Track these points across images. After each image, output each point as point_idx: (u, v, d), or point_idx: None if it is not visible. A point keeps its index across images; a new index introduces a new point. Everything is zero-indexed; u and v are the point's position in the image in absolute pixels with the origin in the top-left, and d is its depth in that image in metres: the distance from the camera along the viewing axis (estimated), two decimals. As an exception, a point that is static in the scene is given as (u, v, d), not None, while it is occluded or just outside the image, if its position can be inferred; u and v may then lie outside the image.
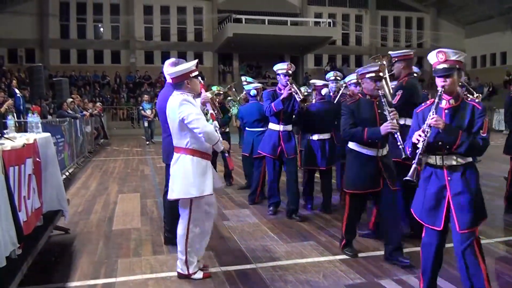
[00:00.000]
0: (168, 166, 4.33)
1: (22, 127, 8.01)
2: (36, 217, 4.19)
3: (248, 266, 4.11)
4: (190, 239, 3.75)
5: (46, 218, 4.51)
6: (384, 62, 5.11)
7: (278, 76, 5.64)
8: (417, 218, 3.24)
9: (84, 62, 27.89)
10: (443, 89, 3.05)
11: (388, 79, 5.04)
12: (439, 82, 3.06)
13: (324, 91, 6.02)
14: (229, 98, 8.32)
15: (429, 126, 3.06)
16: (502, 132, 18.51)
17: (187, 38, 29.62)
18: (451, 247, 3.88)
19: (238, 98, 7.95)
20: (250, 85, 7.30)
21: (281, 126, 5.76)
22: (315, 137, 5.94)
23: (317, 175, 6.29)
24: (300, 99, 5.47)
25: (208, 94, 7.63)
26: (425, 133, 3.09)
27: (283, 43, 27.62)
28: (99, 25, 28.70)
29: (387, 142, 4.25)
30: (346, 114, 4.17)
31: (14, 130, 4.98)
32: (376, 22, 32.22)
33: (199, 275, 3.82)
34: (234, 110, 7.95)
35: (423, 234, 3.25)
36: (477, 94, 7.48)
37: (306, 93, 6.34)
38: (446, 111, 3.11)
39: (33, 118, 5.33)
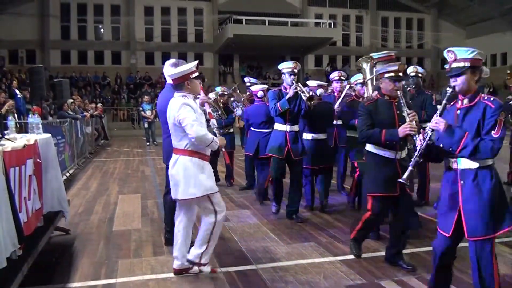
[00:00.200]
0: (168, 167, 4.33)
1: (22, 128, 8.00)
2: (37, 218, 4.19)
3: (248, 267, 4.11)
4: (216, 228, 3.80)
5: (47, 219, 4.51)
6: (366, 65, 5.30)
7: (283, 75, 5.53)
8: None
9: (84, 63, 27.91)
10: (452, 89, 2.96)
11: (371, 81, 5.13)
12: (450, 82, 2.99)
13: (319, 91, 6.04)
14: (232, 99, 8.30)
15: (431, 129, 3.02)
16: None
17: (187, 39, 29.63)
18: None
19: (242, 99, 7.94)
20: (257, 86, 7.31)
21: (288, 127, 5.60)
22: (309, 136, 5.97)
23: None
24: (306, 98, 5.32)
25: (212, 95, 7.73)
26: (425, 136, 3.07)
27: (283, 44, 27.62)
28: (100, 26, 28.71)
29: (406, 144, 4.13)
30: (363, 115, 4.01)
31: (15, 131, 4.98)
32: (376, 23, 32.21)
33: (207, 268, 3.89)
34: (238, 111, 7.93)
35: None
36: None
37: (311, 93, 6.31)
38: (458, 111, 3.00)
39: (34, 119, 5.32)
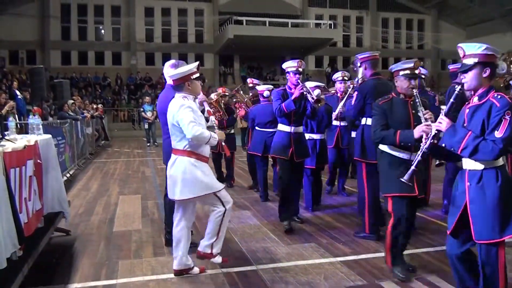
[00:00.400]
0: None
1: (23, 129, 8.00)
2: (37, 218, 4.19)
3: (248, 268, 4.11)
4: (225, 218, 3.84)
5: (47, 220, 4.51)
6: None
7: (287, 75, 5.34)
8: None
9: (85, 63, 27.92)
10: (461, 87, 2.89)
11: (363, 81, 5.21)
12: (461, 79, 2.89)
13: (316, 92, 6.03)
14: (234, 100, 8.31)
15: (436, 129, 2.97)
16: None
17: (188, 39, 29.63)
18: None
19: (246, 100, 7.95)
20: (263, 86, 7.32)
21: (292, 128, 5.38)
22: (307, 136, 5.96)
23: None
24: (314, 100, 5.13)
25: (214, 96, 7.75)
26: (429, 135, 3.02)
27: (284, 45, 27.62)
28: (100, 27, 28.71)
29: None
30: (377, 114, 3.84)
31: (15, 132, 4.98)
32: (377, 23, 32.23)
33: (219, 259, 3.95)
34: (242, 112, 7.95)
35: None
36: None
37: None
38: (467, 110, 2.90)
39: (34, 120, 5.32)
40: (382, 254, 4.33)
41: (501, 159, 2.81)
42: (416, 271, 3.94)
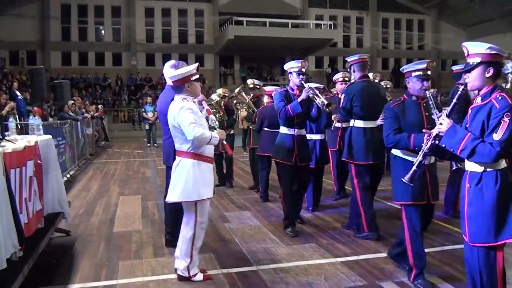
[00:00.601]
0: (168, 168, 4.34)
1: (23, 129, 8.01)
2: (37, 219, 4.19)
3: (249, 268, 4.11)
4: (196, 241, 3.77)
5: (47, 220, 4.51)
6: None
7: (290, 75, 5.18)
8: None
9: (85, 64, 27.93)
10: (464, 87, 2.83)
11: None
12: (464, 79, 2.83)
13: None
14: (235, 101, 8.33)
15: (438, 130, 2.91)
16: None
17: (188, 40, 29.64)
18: (450, 249, 3.89)
19: (248, 101, 7.95)
20: (271, 87, 7.33)
21: (295, 130, 5.20)
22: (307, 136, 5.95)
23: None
24: (325, 104, 4.91)
25: (214, 97, 7.75)
26: (430, 135, 2.98)
27: (284, 45, 27.63)
28: (100, 28, 28.73)
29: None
30: (389, 117, 3.69)
31: (16, 132, 4.98)
32: (377, 24, 32.23)
33: (200, 277, 3.82)
34: (243, 113, 7.95)
35: None
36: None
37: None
38: (470, 110, 2.83)
39: (34, 120, 5.33)
40: (383, 255, 4.33)
41: (503, 161, 2.75)
42: None
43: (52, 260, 4.32)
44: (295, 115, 5.04)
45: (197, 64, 3.93)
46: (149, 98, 18.17)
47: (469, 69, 2.78)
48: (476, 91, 2.85)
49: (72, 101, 13.46)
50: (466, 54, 2.80)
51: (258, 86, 8.12)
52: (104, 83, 26.93)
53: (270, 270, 4.05)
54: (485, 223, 2.73)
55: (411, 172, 3.18)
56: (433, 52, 32.98)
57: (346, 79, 6.81)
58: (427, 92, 3.48)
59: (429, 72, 3.68)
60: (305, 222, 5.68)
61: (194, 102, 3.84)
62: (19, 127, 7.53)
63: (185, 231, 3.79)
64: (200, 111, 3.88)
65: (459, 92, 2.88)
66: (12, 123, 5.12)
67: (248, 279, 3.87)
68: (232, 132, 8.10)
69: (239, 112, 8.14)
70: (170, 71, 4.28)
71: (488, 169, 2.74)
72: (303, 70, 5.12)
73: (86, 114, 14.25)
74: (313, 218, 5.93)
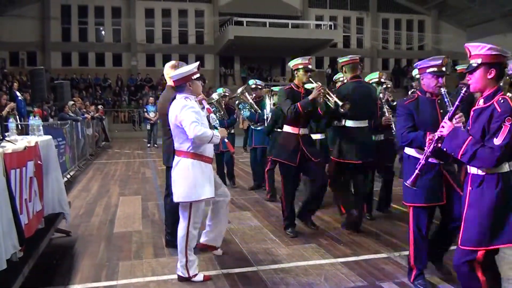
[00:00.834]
0: (168, 169, 4.34)
1: (23, 130, 8.01)
2: (38, 219, 4.19)
3: (249, 269, 4.10)
4: (190, 241, 3.78)
5: (48, 221, 4.51)
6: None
7: (296, 72, 5.07)
8: None
9: (85, 65, 27.95)
10: (467, 88, 2.78)
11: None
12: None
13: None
14: (237, 102, 8.34)
15: (439, 134, 2.88)
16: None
17: (188, 40, 29.66)
18: (450, 249, 3.88)
19: (250, 102, 7.97)
20: (279, 87, 7.33)
21: (300, 130, 5.08)
22: None
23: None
24: (339, 105, 4.81)
25: (215, 96, 7.75)
26: (433, 138, 2.93)
27: (284, 46, 27.63)
28: (101, 28, 28.75)
29: None
30: (403, 115, 3.56)
31: (16, 133, 4.98)
32: (377, 24, 32.24)
33: (200, 277, 3.82)
34: (246, 113, 7.96)
35: None
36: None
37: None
38: (472, 112, 2.79)
39: (35, 121, 5.33)
40: (383, 255, 4.33)
41: (506, 165, 2.69)
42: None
43: (52, 260, 4.32)
44: (303, 114, 4.93)
45: (197, 63, 3.94)
46: (151, 98, 18.18)
47: (471, 70, 2.73)
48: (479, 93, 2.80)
49: (72, 102, 13.46)
50: (468, 56, 2.76)
51: (260, 87, 8.13)
52: (104, 83, 26.95)
53: (270, 271, 4.05)
54: (481, 226, 2.70)
55: (413, 175, 3.14)
56: (433, 52, 32.85)
57: None
58: (442, 89, 3.41)
59: (444, 69, 3.57)
60: (305, 222, 5.67)
61: (195, 101, 3.84)
62: (19, 128, 7.54)
63: (180, 230, 3.80)
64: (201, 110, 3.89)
65: (461, 94, 2.83)
66: (12, 123, 5.12)
67: (248, 280, 3.87)
68: (232, 131, 8.13)
69: (242, 112, 8.14)
70: (171, 72, 4.30)
71: (490, 172, 2.71)
72: (310, 66, 5.04)
73: (86, 115, 14.25)
74: (313, 218, 5.91)
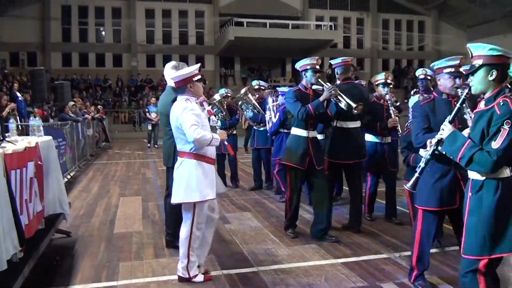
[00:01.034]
0: (169, 169, 4.34)
1: (23, 131, 8.01)
2: (38, 220, 4.19)
3: (249, 270, 4.10)
4: (193, 242, 3.77)
5: (48, 221, 4.50)
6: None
7: (304, 73, 4.97)
8: None
9: (86, 65, 27.98)
10: (468, 90, 2.73)
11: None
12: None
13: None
14: (240, 102, 8.37)
15: (439, 137, 2.82)
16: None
17: (188, 41, 29.68)
18: (451, 250, 3.89)
19: (253, 102, 7.99)
20: (286, 88, 7.33)
21: (310, 132, 4.97)
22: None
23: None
24: (353, 107, 4.75)
25: (217, 97, 7.76)
26: (432, 142, 2.89)
27: (284, 46, 27.66)
28: (101, 29, 28.78)
29: None
30: (418, 116, 3.47)
31: (16, 133, 4.98)
32: (377, 25, 32.25)
33: (200, 278, 3.82)
34: (249, 113, 7.98)
35: None
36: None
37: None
38: (473, 115, 2.72)
39: (35, 121, 5.33)
40: (383, 256, 4.33)
41: (506, 170, 2.59)
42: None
43: (52, 261, 4.31)
44: (314, 115, 4.84)
45: (199, 64, 3.94)
46: (153, 99, 18.18)
47: (472, 71, 2.66)
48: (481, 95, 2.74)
49: (73, 102, 13.46)
50: (470, 56, 2.70)
51: (263, 88, 8.14)
52: (104, 84, 26.98)
53: (270, 271, 4.04)
54: (481, 234, 2.61)
55: (413, 179, 3.09)
56: (433, 53, 32.96)
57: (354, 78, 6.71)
58: (459, 90, 3.35)
59: (461, 69, 3.51)
60: (306, 223, 5.67)
61: (196, 102, 3.84)
62: (20, 128, 7.53)
63: (183, 232, 3.79)
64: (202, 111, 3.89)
65: (462, 96, 2.77)
66: (12, 124, 5.11)
67: (248, 280, 3.87)
68: (235, 132, 8.15)
69: (245, 112, 8.16)
70: (171, 72, 4.30)
71: (489, 177, 2.61)
72: (318, 67, 4.97)
73: (86, 115, 14.26)
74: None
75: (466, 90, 2.76)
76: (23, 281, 3.25)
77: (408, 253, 4.36)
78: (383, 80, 5.64)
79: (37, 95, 11.47)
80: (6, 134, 4.50)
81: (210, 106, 7.57)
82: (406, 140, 4.74)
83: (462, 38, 31.70)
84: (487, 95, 2.65)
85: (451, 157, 2.73)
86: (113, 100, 26.18)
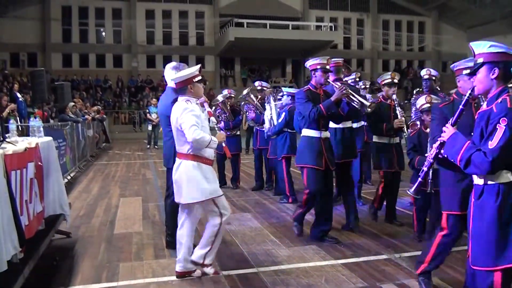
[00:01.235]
0: (169, 170, 4.34)
1: (24, 131, 8.01)
2: (38, 221, 4.19)
3: (250, 270, 4.10)
4: (221, 229, 3.86)
5: (48, 222, 4.50)
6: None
7: (313, 73, 4.86)
8: None
9: (86, 66, 28.02)
10: (471, 91, 2.62)
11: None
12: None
13: None
14: (242, 103, 8.38)
15: (441, 140, 2.72)
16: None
17: (188, 42, 29.71)
18: (452, 251, 3.88)
19: (255, 103, 8.00)
20: (291, 89, 7.34)
21: (322, 133, 4.90)
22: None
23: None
24: (366, 105, 4.73)
25: (220, 97, 7.79)
26: (437, 144, 2.77)
27: (284, 47, 27.67)
28: (101, 30, 28.81)
29: None
30: (438, 119, 3.34)
31: (16, 134, 4.98)
32: (377, 26, 32.27)
33: (211, 270, 3.93)
34: (251, 114, 8.01)
35: None
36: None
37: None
38: (476, 116, 2.61)
39: (35, 122, 5.33)
40: (384, 257, 4.32)
41: (508, 174, 2.45)
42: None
43: (52, 262, 4.31)
44: (326, 115, 4.77)
45: (199, 65, 3.96)
46: (154, 99, 18.20)
47: (474, 70, 2.57)
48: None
49: (73, 103, 13.45)
50: (473, 55, 2.60)
51: (265, 88, 8.15)
52: (104, 85, 27.01)
53: (271, 272, 4.04)
54: (485, 243, 2.48)
55: (416, 183, 3.00)
56: (433, 53, 33.00)
57: (358, 79, 6.66)
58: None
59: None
60: (306, 223, 5.66)
61: (197, 103, 3.85)
62: (20, 129, 7.54)
63: (213, 223, 3.84)
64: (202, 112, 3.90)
65: (465, 97, 2.66)
66: (13, 125, 5.11)
67: (249, 281, 3.87)
68: (238, 133, 8.17)
69: (247, 113, 8.17)
70: (171, 73, 4.30)
71: (489, 182, 2.48)
72: (328, 67, 4.88)
73: (86, 116, 14.26)
74: (313, 220, 5.90)
75: (469, 91, 2.65)
76: (23, 282, 3.25)
77: (409, 254, 4.37)
78: (390, 80, 5.51)
79: (37, 95, 11.47)
80: (6, 135, 4.49)
81: (213, 107, 7.62)
82: (412, 142, 4.71)
83: (462, 38, 31.71)
84: (490, 94, 2.54)
85: (452, 160, 2.61)
86: (113, 100, 26.20)
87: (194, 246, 4.06)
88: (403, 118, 5.34)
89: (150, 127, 16.78)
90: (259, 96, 8.14)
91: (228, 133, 7.84)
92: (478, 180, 2.56)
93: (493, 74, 2.50)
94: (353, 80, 6.55)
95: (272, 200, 7.09)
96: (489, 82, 2.52)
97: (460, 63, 3.43)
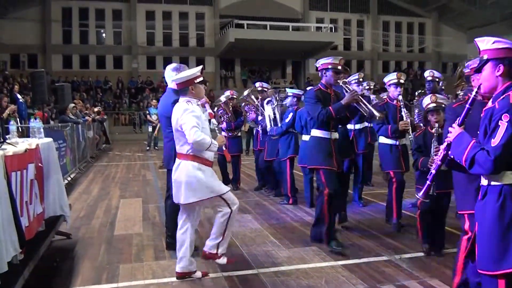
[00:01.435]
0: (169, 171, 4.34)
1: (24, 132, 8.02)
2: (38, 222, 4.19)
3: (250, 272, 4.10)
4: (231, 219, 3.91)
5: (48, 223, 4.51)
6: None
7: (324, 73, 4.77)
8: None
9: (86, 67, 28.04)
10: (477, 89, 2.53)
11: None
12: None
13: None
14: (242, 104, 8.38)
15: (448, 140, 2.63)
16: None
17: (189, 43, 29.73)
18: (452, 252, 3.88)
19: (256, 103, 8.01)
20: (295, 90, 7.35)
21: (332, 134, 4.81)
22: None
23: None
24: (375, 115, 4.67)
25: (223, 98, 7.80)
26: (444, 145, 2.69)
27: (284, 48, 27.69)
28: (102, 31, 28.84)
29: None
30: (452, 119, 3.16)
31: (17, 135, 4.98)
32: (377, 27, 32.28)
33: (224, 260, 3.97)
34: (251, 115, 8.02)
35: None
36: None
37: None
38: (482, 114, 2.51)
39: (35, 123, 5.33)
40: (384, 258, 4.32)
41: None
42: (416, 274, 3.93)
43: (53, 263, 4.31)
44: (336, 117, 4.70)
45: (201, 66, 3.98)
46: (154, 101, 18.19)
47: (478, 68, 2.48)
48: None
49: (73, 104, 13.45)
50: (478, 53, 2.51)
51: (266, 89, 8.15)
52: (105, 86, 27.03)
53: (271, 273, 4.04)
54: (488, 245, 2.37)
55: (425, 187, 2.92)
56: (433, 55, 33.01)
57: (361, 79, 6.61)
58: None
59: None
60: (306, 224, 5.67)
61: (197, 104, 3.86)
62: (20, 130, 7.55)
63: (223, 214, 3.88)
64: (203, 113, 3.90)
65: (471, 96, 2.56)
66: (13, 126, 5.13)
67: (249, 282, 3.87)
68: (239, 134, 8.20)
69: (248, 114, 8.18)
70: (173, 74, 4.31)
71: (492, 183, 2.38)
72: (339, 68, 4.75)
73: (87, 117, 14.26)
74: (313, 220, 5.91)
75: (476, 90, 2.55)
76: (23, 283, 3.25)
77: (409, 255, 4.37)
78: (396, 80, 5.44)
79: (37, 97, 11.46)
80: (7, 136, 4.49)
81: (216, 108, 7.64)
82: (417, 142, 4.67)
83: (462, 40, 31.75)
84: (496, 91, 2.44)
85: (458, 161, 2.49)
86: (114, 102, 26.21)
87: (195, 247, 4.07)
88: (409, 120, 5.25)
89: (150, 129, 16.78)
90: (260, 97, 8.15)
91: (229, 133, 7.86)
92: (483, 181, 2.46)
93: (498, 71, 2.41)
94: (356, 80, 6.51)
95: (272, 202, 7.09)
96: (495, 79, 2.44)
97: (473, 61, 3.34)
